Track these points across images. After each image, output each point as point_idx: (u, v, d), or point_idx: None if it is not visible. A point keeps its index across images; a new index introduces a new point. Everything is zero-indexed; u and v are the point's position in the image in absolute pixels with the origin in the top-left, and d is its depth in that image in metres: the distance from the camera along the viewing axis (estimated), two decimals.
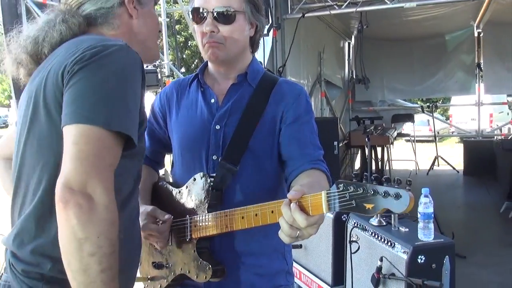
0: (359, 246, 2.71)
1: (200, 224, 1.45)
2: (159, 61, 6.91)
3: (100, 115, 1.05)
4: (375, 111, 9.52)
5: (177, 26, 29.11)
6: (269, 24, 4.63)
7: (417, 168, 9.16)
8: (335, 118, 6.15)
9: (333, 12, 5.05)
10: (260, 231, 1.37)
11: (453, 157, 9.58)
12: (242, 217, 1.33)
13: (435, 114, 10.30)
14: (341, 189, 1.09)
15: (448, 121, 14.50)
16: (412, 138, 9.48)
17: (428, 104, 11.44)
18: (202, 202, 1.46)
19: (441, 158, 8.95)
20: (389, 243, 2.48)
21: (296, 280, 3.50)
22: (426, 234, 2.38)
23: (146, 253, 1.61)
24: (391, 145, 6.53)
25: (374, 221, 2.70)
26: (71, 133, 1.05)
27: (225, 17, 1.47)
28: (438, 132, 9.94)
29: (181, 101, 1.62)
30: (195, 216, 1.47)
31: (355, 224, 2.82)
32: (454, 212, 6.34)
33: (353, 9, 4.92)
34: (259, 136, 1.50)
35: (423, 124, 13.58)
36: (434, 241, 2.38)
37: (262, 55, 4.98)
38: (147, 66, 7.64)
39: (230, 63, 1.54)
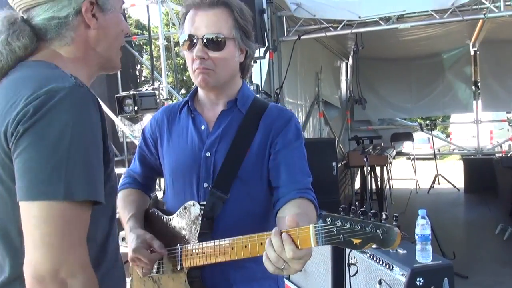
0: (357, 269, 2.69)
1: (191, 253, 1.44)
2: (157, 83, 6.97)
3: (59, 186, 0.93)
4: (374, 130, 9.55)
5: (176, 48, 29.46)
6: (265, 47, 4.66)
7: (418, 187, 9.13)
8: (334, 138, 6.17)
9: (328, 34, 5.11)
10: (250, 258, 1.36)
11: (454, 175, 9.55)
12: (232, 248, 1.32)
13: (436, 132, 10.33)
14: (328, 223, 1.08)
15: (449, 138, 14.50)
16: (412, 157, 9.48)
17: (427, 122, 11.47)
18: (193, 231, 1.46)
19: (442, 176, 8.93)
20: (387, 266, 2.46)
21: None
22: (424, 256, 2.36)
23: (138, 281, 1.60)
24: (390, 165, 6.51)
25: None
26: (29, 213, 0.93)
27: (215, 44, 1.47)
28: (438, 150, 9.96)
29: (172, 128, 1.62)
30: (186, 245, 1.46)
31: None
32: (455, 231, 6.30)
33: (349, 31, 4.98)
34: (249, 164, 1.49)
35: (424, 141, 13.57)
36: (433, 263, 2.36)
37: (259, 77, 5.02)
38: (146, 90, 7.63)
39: (220, 89, 1.55)
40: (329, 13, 4.86)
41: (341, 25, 4.96)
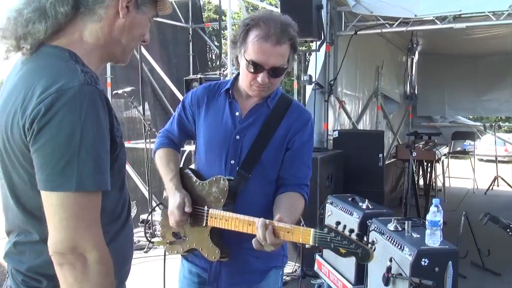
0: (374, 247, 2.96)
1: (216, 216, 1.79)
2: (223, 69, 7.39)
3: (72, 179, 1.08)
4: (435, 127, 9.48)
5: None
6: (321, 41, 4.94)
7: (476, 187, 9.01)
8: (381, 131, 6.31)
9: (384, 30, 5.29)
10: None
11: None
12: (249, 225, 1.67)
13: (501, 134, 10.05)
14: (325, 232, 1.48)
15: None
16: (476, 157, 9.32)
17: (490, 123, 11.12)
18: (220, 199, 1.80)
19: (501, 178, 8.77)
20: (399, 246, 2.72)
21: (325, 278, 3.79)
22: (432, 240, 2.60)
23: (167, 222, 1.97)
24: (439, 162, 6.56)
25: (391, 226, 2.95)
26: (49, 201, 1.10)
27: (276, 72, 1.77)
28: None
29: (209, 105, 1.91)
30: (213, 210, 1.81)
31: (375, 228, 3.09)
32: (498, 232, 6.26)
33: (404, 28, 5.13)
34: (270, 151, 1.83)
35: (500, 144, 13.13)
36: (440, 247, 2.59)
37: (313, 69, 5.31)
38: (213, 74, 8.09)
39: None
40: (386, 10, 5.04)
41: (397, 23, 5.12)
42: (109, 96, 6.24)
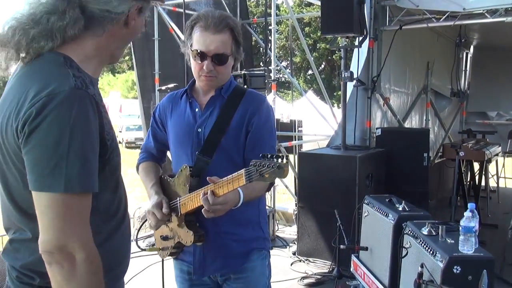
0: (407, 252, 2.87)
1: (184, 202, 1.92)
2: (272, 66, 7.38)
3: (60, 181, 1.11)
4: (490, 124, 9.04)
5: (306, 29, 29.58)
6: (362, 36, 4.81)
7: None
8: (427, 129, 6.09)
9: (430, 25, 5.08)
10: (236, 208, 1.82)
11: None
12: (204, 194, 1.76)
13: None
14: (251, 166, 1.55)
15: None
16: None
17: None
18: (186, 185, 1.93)
19: None
20: (432, 252, 2.62)
21: (360, 279, 3.72)
22: (466, 246, 2.49)
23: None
24: (490, 162, 6.24)
25: (425, 230, 2.84)
26: (38, 202, 1.14)
27: (220, 60, 1.93)
28: None
29: (173, 110, 2.10)
30: (182, 197, 1.94)
31: (409, 232, 2.98)
32: None
33: (451, 23, 4.91)
34: (229, 135, 1.96)
35: None
36: (474, 254, 2.47)
37: (355, 65, 5.19)
38: (257, 70, 8.10)
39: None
40: (433, 4, 4.84)
41: (444, 17, 4.91)
42: (156, 92, 6.43)
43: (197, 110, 2.04)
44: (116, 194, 1.35)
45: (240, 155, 1.99)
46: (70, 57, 1.23)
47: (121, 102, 31.39)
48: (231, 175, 1.66)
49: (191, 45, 1.95)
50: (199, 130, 2.00)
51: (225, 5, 7.43)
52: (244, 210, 1.87)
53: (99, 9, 1.23)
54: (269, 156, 1.51)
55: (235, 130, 1.97)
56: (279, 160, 1.49)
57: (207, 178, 1.75)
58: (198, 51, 1.92)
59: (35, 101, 1.12)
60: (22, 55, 1.22)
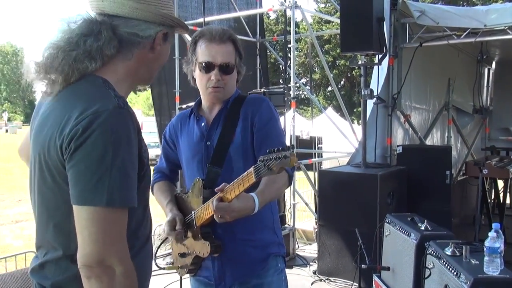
0: (430, 273, 2.82)
1: (199, 215, 1.94)
2: (291, 84, 7.41)
3: (103, 196, 1.14)
4: None
5: (326, 46, 29.58)
6: (382, 54, 4.80)
7: None
8: (449, 146, 6.00)
9: (451, 41, 5.05)
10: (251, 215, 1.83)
11: None
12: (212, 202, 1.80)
13: None
14: (259, 163, 1.59)
15: None
16: None
17: None
18: (199, 198, 1.97)
19: None
20: (456, 273, 2.57)
21: None
22: (491, 268, 2.43)
23: (175, 245, 2.13)
24: None
25: (449, 251, 2.79)
26: (80, 216, 1.17)
27: (226, 69, 1.99)
28: None
29: (183, 130, 2.16)
30: (196, 210, 1.97)
31: (432, 252, 2.93)
32: None
33: (472, 39, 4.87)
34: (236, 143, 2.00)
35: None
36: (499, 275, 2.41)
37: (375, 82, 5.18)
38: (274, 88, 8.15)
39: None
40: (454, 20, 4.82)
41: (465, 33, 4.88)
42: (177, 111, 6.49)
43: (203, 124, 2.09)
44: (146, 211, 1.39)
45: (249, 161, 1.97)
46: (106, 79, 1.30)
47: (142, 119, 31.79)
48: (241, 176, 1.69)
49: (196, 59, 2.02)
50: (208, 143, 2.05)
51: (245, 24, 7.52)
52: (258, 215, 1.88)
53: (127, 32, 1.30)
54: (275, 149, 1.54)
55: (241, 135, 2.01)
56: (285, 151, 1.53)
57: (215, 189, 1.78)
58: (205, 62, 1.98)
59: (81, 119, 1.17)
60: (66, 77, 1.27)
